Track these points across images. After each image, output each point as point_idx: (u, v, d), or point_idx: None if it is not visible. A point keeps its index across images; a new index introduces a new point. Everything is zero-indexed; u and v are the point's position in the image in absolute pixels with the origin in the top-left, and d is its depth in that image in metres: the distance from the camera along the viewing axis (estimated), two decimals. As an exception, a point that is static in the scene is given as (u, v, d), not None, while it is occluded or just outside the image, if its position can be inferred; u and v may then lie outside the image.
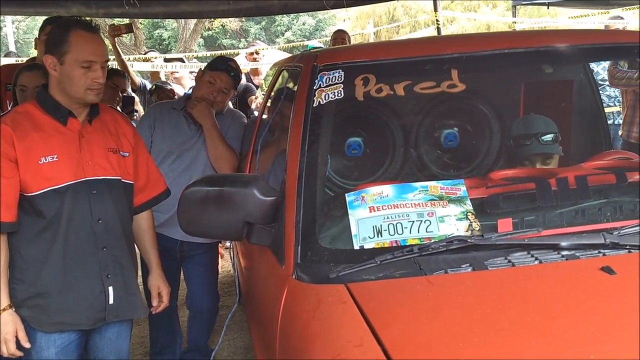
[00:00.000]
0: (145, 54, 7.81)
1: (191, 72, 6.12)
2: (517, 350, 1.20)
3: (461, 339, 1.24)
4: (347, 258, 1.62)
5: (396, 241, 1.66)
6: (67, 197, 2.06)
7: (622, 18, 6.34)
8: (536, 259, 1.52)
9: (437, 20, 6.88)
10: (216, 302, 3.30)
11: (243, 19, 21.46)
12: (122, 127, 2.28)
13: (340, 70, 1.99)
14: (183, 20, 13.11)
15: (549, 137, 2.20)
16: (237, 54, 8.09)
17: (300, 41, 18.81)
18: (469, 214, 1.71)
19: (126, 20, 7.62)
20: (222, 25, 22.05)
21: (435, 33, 7.59)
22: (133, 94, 4.95)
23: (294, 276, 1.63)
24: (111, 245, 2.16)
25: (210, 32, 22.40)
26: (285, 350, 1.54)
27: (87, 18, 2.21)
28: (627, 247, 1.55)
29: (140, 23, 14.53)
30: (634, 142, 4.11)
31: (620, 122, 4.57)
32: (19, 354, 2.03)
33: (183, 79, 6.10)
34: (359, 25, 21.00)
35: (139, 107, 4.95)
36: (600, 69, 4.84)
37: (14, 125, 2.04)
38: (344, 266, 1.57)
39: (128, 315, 2.26)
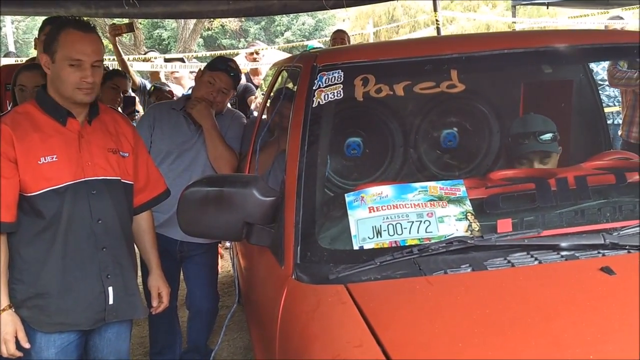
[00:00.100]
0: (145, 54, 7.81)
1: (191, 72, 6.12)
2: (516, 350, 1.20)
3: (461, 340, 1.24)
4: (346, 258, 1.62)
5: (396, 241, 1.66)
6: (67, 198, 2.06)
7: (621, 18, 6.34)
8: (536, 259, 1.52)
9: (436, 20, 6.89)
10: (216, 303, 3.30)
11: (242, 19, 21.46)
12: (122, 128, 2.28)
13: (340, 71, 1.99)
14: (182, 20, 13.11)
15: (547, 136, 2.20)
16: (237, 54, 8.09)
17: (300, 41, 18.82)
18: (468, 214, 1.71)
19: (127, 20, 7.62)
20: (221, 25, 22.06)
21: (434, 33, 7.59)
22: (133, 94, 4.95)
23: (293, 276, 1.63)
24: (111, 246, 2.16)
25: (209, 32, 22.40)
26: (285, 351, 1.54)
27: (86, 18, 2.21)
28: (627, 247, 1.55)
29: (140, 23, 14.54)
30: (633, 142, 4.11)
31: (620, 122, 4.57)
32: (19, 354, 2.03)
33: (183, 78, 6.09)
34: (358, 26, 21.01)
35: (139, 108, 4.95)
36: (600, 69, 4.84)
37: (14, 126, 2.04)
38: (344, 266, 1.57)
39: (128, 315, 2.26)
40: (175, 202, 1.90)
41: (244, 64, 5.95)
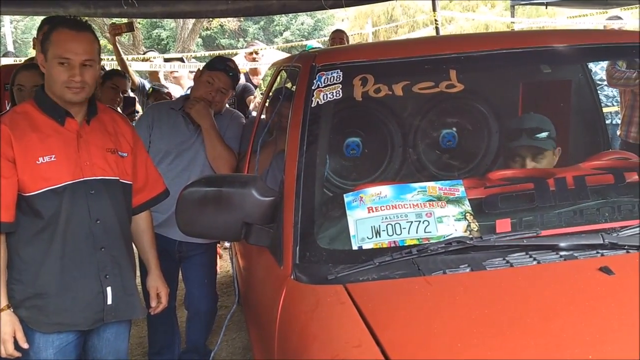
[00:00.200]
0: (144, 53, 7.79)
1: (191, 72, 6.11)
2: (515, 350, 1.20)
3: (460, 340, 1.24)
4: (345, 259, 1.62)
5: (395, 242, 1.66)
6: (65, 197, 2.06)
7: (620, 18, 6.34)
8: (534, 259, 1.52)
9: (435, 20, 6.89)
10: (215, 303, 3.29)
11: (241, 19, 21.45)
12: (121, 128, 2.28)
13: (339, 71, 1.99)
14: (181, 20, 13.09)
15: (542, 134, 2.20)
16: (236, 54, 8.09)
17: (299, 41, 18.80)
18: (467, 214, 1.71)
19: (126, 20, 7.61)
20: (220, 25, 22.04)
21: (433, 33, 7.60)
22: (132, 94, 4.94)
23: (292, 277, 1.63)
24: (109, 246, 2.16)
25: (208, 32, 22.39)
26: (284, 351, 1.54)
27: (85, 18, 2.21)
28: (626, 247, 1.55)
29: (139, 23, 14.52)
30: (632, 142, 4.11)
31: (619, 122, 4.58)
32: (17, 354, 2.03)
33: (182, 78, 6.08)
34: (357, 25, 21.00)
35: (138, 108, 4.94)
36: (599, 69, 4.84)
37: (12, 125, 2.04)
38: (343, 267, 1.57)
39: (126, 315, 2.25)
40: (174, 202, 1.90)
41: (243, 64, 5.94)
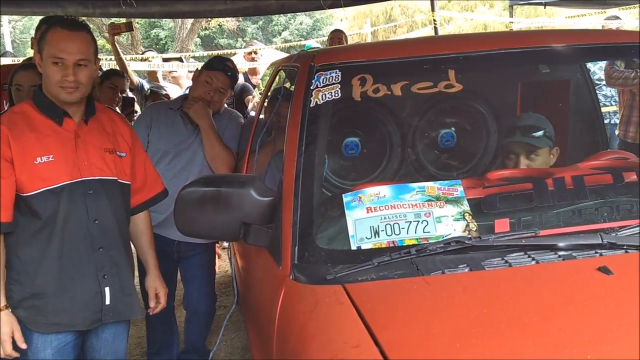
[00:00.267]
0: (142, 53, 7.79)
1: (189, 72, 6.10)
2: (514, 350, 1.20)
3: (458, 340, 1.24)
4: (344, 258, 1.62)
5: (393, 242, 1.66)
6: (63, 198, 2.06)
7: (618, 18, 6.35)
8: (533, 259, 1.52)
9: (434, 20, 6.90)
10: (213, 303, 3.29)
11: (240, 19, 21.45)
12: (119, 127, 2.27)
13: (338, 70, 1.99)
14: (180, 19, 13.09)
15: (538, 132, 2.19)
16: (234, 54, 8.09)
17: (298, 41, 18.79)
18: (466, 214, 1.71)
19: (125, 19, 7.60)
20: (219, 24, 22.03)
21: (432, 33, 7.60)
22: (131, 94, 4.94)
23: (291, 277, 1.63)
24: (107, 246, 2.15)
25: (207, 32, 22.38)
26: (283, 351, 1.54)
27: (84, 18, 2.21)
28: (624, 247, 1.55)
29: (137, 23, 14.51)
30: (630, 142, 4.11)
31: (617, 121, 4.58)
32: (16, 354, 2.03)
33: (181, 78, 6.08)
34: (356, 25, 21.00)
35: (137, 108, 4.94)
36: (597, 68, 4.85)
37: (10, 125, 2.03)
38: (341, 267, 1.57)
39: (125, 316, 2.25)
40: (172, 202, 1.90)
41: (241, 64, 5.94)
